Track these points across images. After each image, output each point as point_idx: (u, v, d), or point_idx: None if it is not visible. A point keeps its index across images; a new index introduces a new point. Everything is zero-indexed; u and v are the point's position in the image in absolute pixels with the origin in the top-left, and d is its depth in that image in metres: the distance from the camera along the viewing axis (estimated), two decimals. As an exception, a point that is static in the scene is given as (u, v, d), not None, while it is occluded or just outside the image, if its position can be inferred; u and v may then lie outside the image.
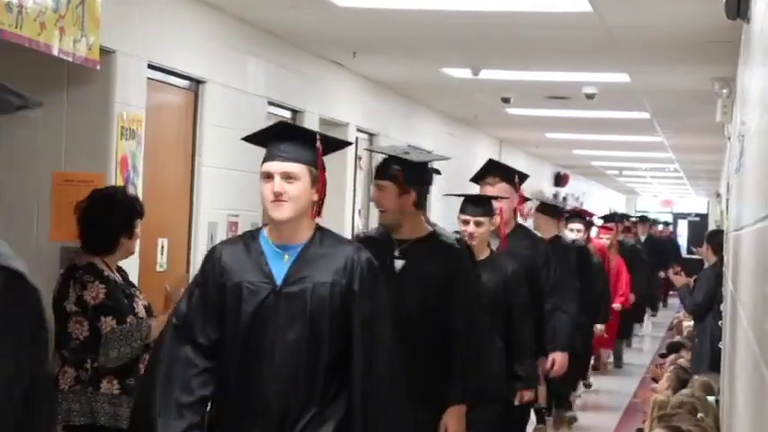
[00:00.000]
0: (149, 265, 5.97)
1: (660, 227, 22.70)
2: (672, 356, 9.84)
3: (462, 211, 5.40)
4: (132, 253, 4.96)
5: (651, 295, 17.11)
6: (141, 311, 4.85)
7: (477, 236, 5.33)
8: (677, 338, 11.41)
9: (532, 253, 5.99)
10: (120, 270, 4.88)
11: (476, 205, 5.40)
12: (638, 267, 13.46)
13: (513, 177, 5.79)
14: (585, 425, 9.58)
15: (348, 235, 8.09)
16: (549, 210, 7.94)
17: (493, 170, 5.84)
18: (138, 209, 4.92)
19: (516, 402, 5.51)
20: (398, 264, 4.45)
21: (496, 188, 5.67)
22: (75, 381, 4.66)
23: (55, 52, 4.60)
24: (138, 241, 4.96)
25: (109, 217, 4.77)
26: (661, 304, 21.20)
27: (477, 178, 5.84)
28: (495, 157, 16.44)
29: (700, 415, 5.86)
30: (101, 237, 4.77)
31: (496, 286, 5.35)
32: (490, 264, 5.41)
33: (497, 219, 5.51)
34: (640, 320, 16.43)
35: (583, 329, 8.64)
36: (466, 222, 5.36)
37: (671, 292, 20.35)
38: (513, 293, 5.42)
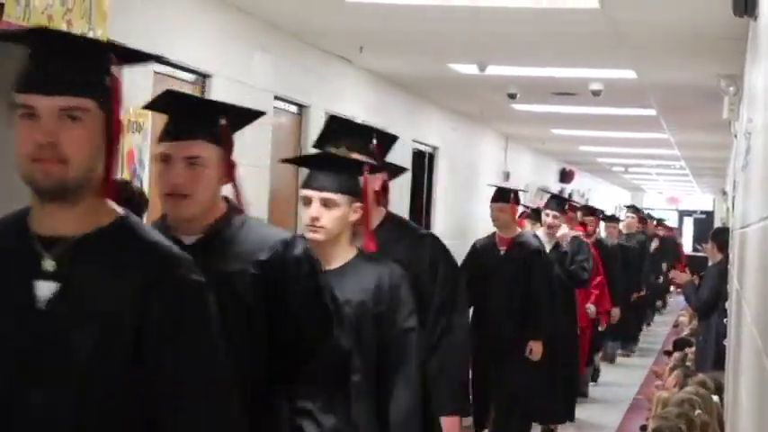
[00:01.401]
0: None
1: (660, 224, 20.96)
2: (677, 354, 9.83)
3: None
4: None
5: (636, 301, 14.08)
6: None
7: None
8: (684, 333, 11.41)
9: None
10: None
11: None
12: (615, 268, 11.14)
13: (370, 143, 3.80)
14: (589, 421, 9.58)
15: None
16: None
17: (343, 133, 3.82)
18: (143, 201, 4.93)
19: None
20: None
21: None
22: None
23: (62, 45, 4.60)
24: None
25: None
26: (657, 306, 19.57)
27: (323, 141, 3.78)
28: (502, 154, 16.57)
29: (697, 412, 5.85)
30: None
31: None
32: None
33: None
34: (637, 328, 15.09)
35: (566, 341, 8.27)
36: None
37: (675, 290, 20.16)
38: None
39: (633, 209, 15.05)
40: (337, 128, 3.75)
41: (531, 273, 7.19)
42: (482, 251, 7.34)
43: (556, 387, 7.81)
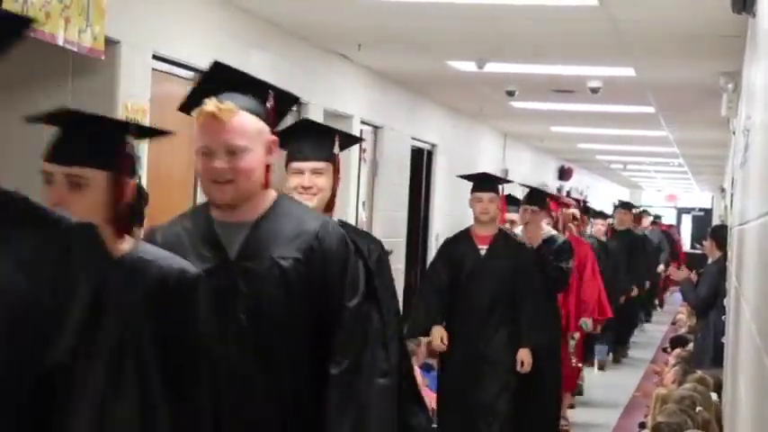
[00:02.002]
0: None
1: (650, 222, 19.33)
2: (677, 350, 9.84)
3: None
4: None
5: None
6: None
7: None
8: (683, 331, 11.41)
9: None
10: None
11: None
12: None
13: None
14: (587, 419, 9.58)
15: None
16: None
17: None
18: (144, 196, 4.94)
19: None
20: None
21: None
22: None
23: (60, 42, 4.61)
24: (141, 230, 4.97)
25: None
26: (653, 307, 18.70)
27: None
28: (500, 151, 16.56)
29: (698, 409, 5.86)
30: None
31: None
32: None
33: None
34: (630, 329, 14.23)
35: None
36: None
37: (671, 289, 19.91)
38: None
39: (625, 205, 14.11)
40: (225, 78, 3.02)
41: (518, 274, 6.34)
42: (457, 251, 6.51)
43: (538, 401, 6.77)
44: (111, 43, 5.31)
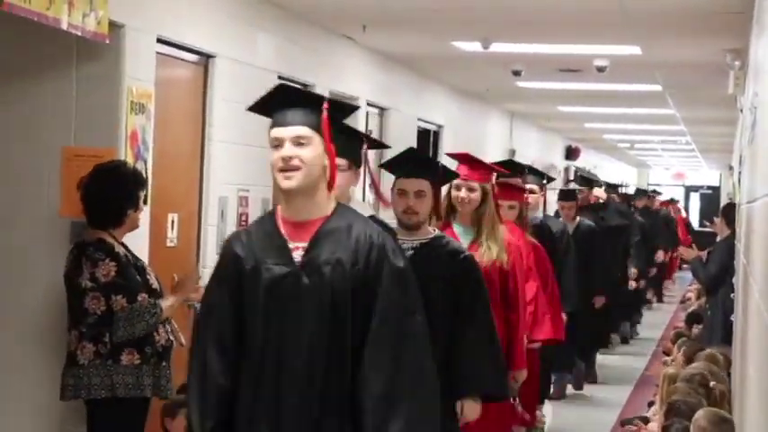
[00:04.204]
0: (159, 240, 5.97)
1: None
2: (682, 329, 9.83)
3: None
4: (137, 226, 4.98)
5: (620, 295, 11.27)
6: (155, 282, 4.88)
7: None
8: (692, 309, 11.37)
9: None
10: (123, 245, 4.89)
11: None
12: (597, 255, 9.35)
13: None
14: (597, 398, 9.59)
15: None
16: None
17: None
18: (140, 180, 4.93)
19: None
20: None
21: None
22: (94, 355, 4.70)
23: (64, 26, 4.59)
24: (141, 214, 4.97)
25: (115, 190, 4.79)
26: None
27: None
28: (507, 132, 16.51)
29: (712, 383, 5.85)
30: (108, 210, 4.79)
31: None
32: None
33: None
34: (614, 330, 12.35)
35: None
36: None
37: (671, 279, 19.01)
38: None
39: (610, 187, 12.86)
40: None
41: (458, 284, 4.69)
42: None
43: None
44: (115, 27, 5.29)
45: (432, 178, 4.58)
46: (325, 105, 3.40)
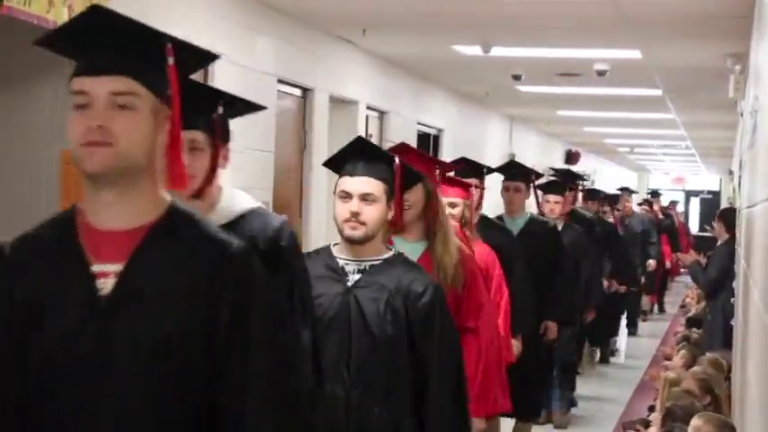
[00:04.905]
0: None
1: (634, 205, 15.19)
2: (681, 334, 9.82)
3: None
4: None
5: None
6: None
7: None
8: (691, 314, 11.37)
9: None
10: None
11: None
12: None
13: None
14: (596, 403, 9.57)
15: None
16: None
17: None
18: None
19: None
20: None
21: None
22: None
23: (63, 30, 4.58)
24: None
25: None
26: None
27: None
28: (507, 136, 16.51)
29: (716, 391, 5.85)
30: None
31: None
32: None
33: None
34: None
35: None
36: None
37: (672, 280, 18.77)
38: None
39: (589, 193, 10.74)
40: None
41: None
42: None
43: None
44: (114, 31, 5.29)
45: (386, 177, 3.41)
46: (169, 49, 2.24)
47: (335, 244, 3.49)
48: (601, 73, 9.84)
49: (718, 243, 9.20)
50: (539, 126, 17.82)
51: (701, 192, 33.64)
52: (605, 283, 10.11)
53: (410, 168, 3.57)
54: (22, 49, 5.35)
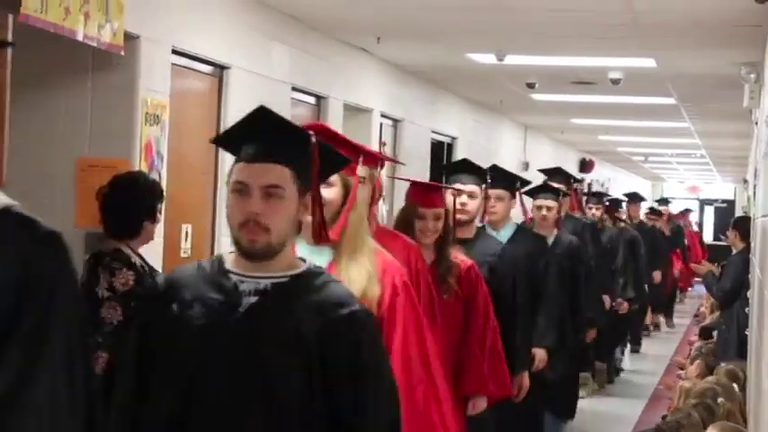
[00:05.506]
0: (173, 250, 5.98)
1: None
2: (697, 343, 9.79)
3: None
4: (152, 238, 4.98)
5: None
6: None
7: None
8: (706, 323, 11.33)
9: None
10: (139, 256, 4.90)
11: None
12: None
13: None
14: (610, 411, 9.55)
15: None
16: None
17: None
18: (159, 192, 4.94)
19: None
20: None
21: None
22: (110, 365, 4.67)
23: (79, 38, 4.61)
24: (157, 226, 4.98)
25: (133, 201, 4.80)
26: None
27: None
28: (521, 144, 16.48)
29: (720, 400, 5.82)
30: (126, 221, 4.79)
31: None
32: None
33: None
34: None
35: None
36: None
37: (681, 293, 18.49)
38: None
39: (596, 196, 10.23)
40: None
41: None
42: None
43: None
44: (130, 38, 5.31)
45: (299, 163, 2.49)
46: None
47: (232, 252, 2.53)
48: (615, 81, 9.84)
49: (733, 252, 9.18)
50: (553, 134, 17.80)
51: (716, 201, 33.55)
52: (607, 300, 9.05)
53: (332, 151, 2.64)
54: (39, 57, 5.39)
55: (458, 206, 4.85)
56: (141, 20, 5.47)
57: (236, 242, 2.47)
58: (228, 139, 2.63)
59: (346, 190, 3.20)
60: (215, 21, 6.54)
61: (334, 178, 3.12)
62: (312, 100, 8.39)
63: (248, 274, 2.48)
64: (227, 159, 6.71)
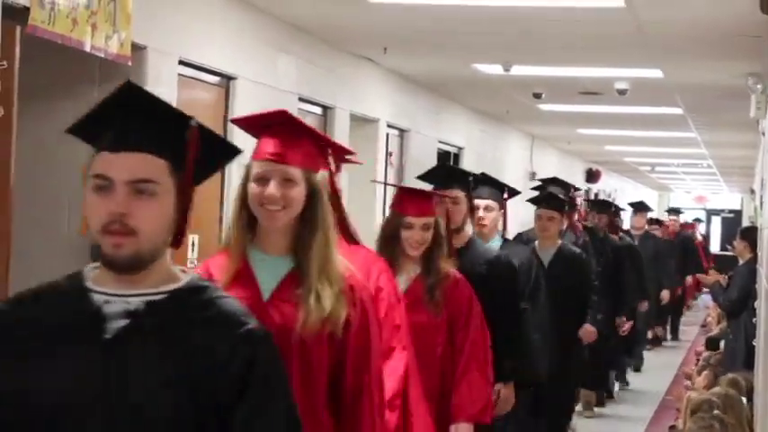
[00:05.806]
0: (180, 261, 5.95)
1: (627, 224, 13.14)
2: (705, 354, 9.77)
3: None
4: None
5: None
6: None
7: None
8: (713, 333, 11.30)
9: None
10: None
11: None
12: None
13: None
14: (617, 423, 9.52)
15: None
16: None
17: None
18: None
19: None
20: None
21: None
22: None
23: (87, 48, 4.62)
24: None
25: None
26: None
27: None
28: (527, 154, 16.49)
29: (715, 412, 5.80)
30: None
31: None
32: None
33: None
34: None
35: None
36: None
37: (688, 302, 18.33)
38: None
39: (599, 204, 9.91)
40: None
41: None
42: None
43: None
44: (137, 49, 5.33)
45: (173, 152, 2.08)
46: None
47: (96, 267, 2.09)
48: (621, 92, 9.84)
49: (740, 263, 9.16)
50: (559, 144, 17.80)
51: (723, 211, 33.51)
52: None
53: (218, 139, 2.20)
54: (47, 68, 5.40)
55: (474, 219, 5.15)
56: (148, 31, 5.48)
57: (100, 251, 2.01)
58: (88, 126, 2.21)
59: (311, 188, 2.74)
60: (222, 32, 6.55)
61: (298, 175, 2.73)
62: (318, 110, 8.40)
63: (115, 291, 2.01)
64: (234, 168, 6.73)
